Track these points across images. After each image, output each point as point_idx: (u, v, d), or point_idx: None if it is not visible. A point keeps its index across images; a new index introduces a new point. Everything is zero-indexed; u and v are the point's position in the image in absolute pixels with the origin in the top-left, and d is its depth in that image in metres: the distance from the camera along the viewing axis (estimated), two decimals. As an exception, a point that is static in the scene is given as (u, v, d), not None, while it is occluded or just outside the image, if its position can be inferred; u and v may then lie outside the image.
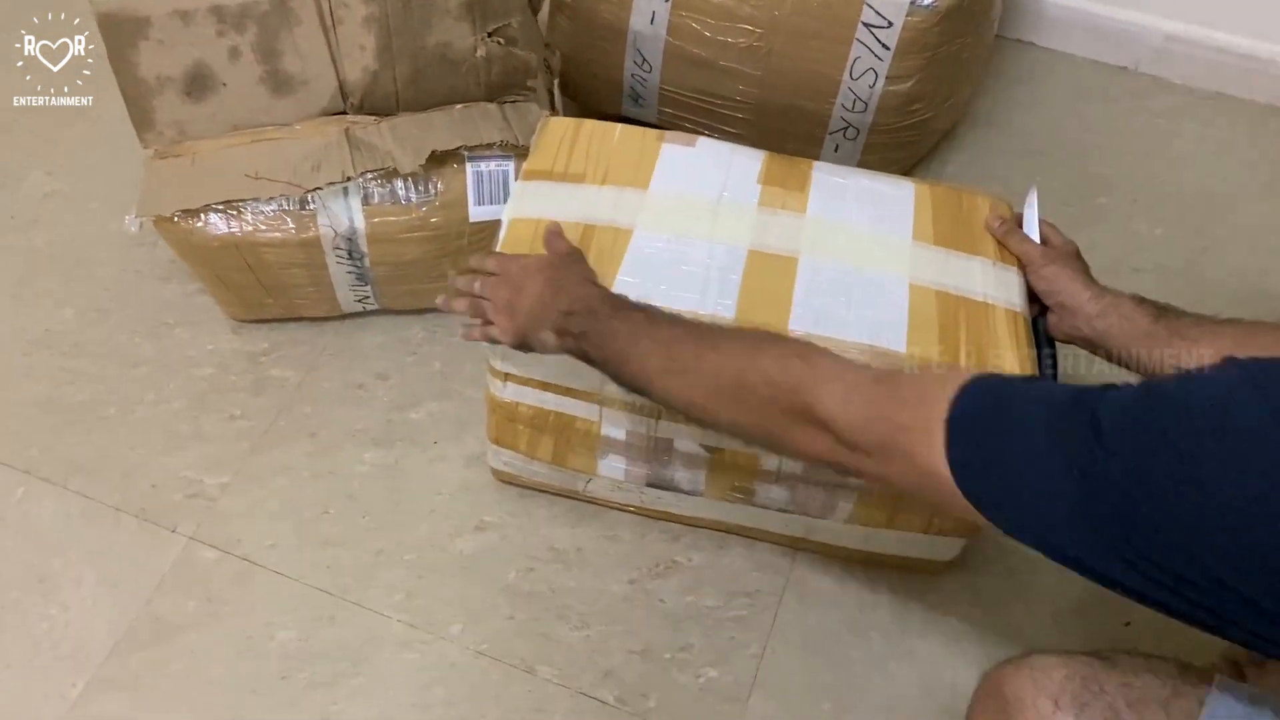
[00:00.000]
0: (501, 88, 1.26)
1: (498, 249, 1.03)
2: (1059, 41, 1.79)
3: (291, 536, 1.22)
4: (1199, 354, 0.90)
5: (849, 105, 1.42)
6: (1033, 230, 1.08)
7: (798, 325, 0.98)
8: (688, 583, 1.19)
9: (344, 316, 1.40)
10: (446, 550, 1.21)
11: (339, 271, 1.31)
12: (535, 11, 1.39)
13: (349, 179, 1.20)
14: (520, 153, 1.24)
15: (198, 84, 1.21)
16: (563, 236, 1.01)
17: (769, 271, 1.01)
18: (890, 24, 1.32)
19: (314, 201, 1.23)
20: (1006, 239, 1.07)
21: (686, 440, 1.07)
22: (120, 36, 1.19)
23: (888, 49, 1.35)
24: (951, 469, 0.66)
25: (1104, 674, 0.73)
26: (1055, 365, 1.03)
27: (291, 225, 1.24)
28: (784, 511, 1.13)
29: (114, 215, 1.24)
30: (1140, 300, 0.97)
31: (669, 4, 1.39)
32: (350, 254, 1.28)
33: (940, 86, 1.43)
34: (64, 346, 1.38)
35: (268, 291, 1.33)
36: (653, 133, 1.14)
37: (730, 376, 0.80)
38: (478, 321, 0.98)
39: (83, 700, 1.10)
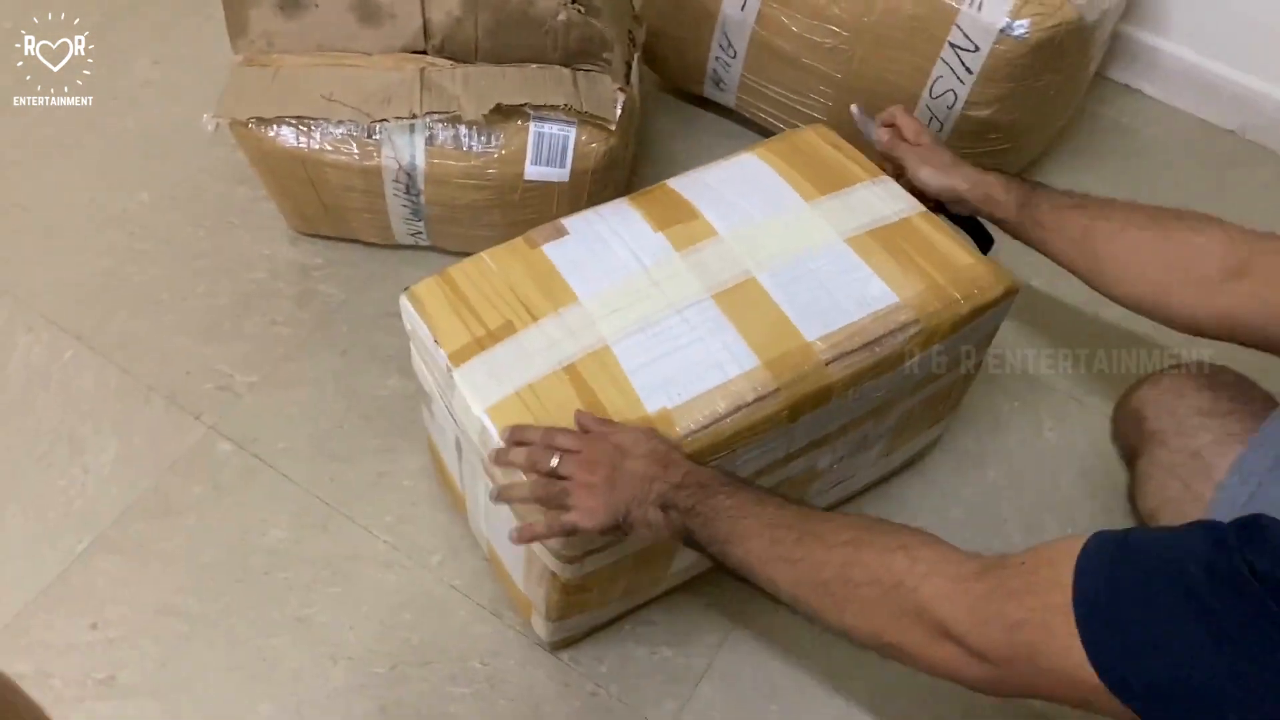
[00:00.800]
0: (578, 55, 1.29)
1: (495, 447, 0.91)
2: (1167, 93, 1.73)
3: (304, 444, 1.28)
4: (1054, 244, 1.03)
5: (925, 122, 1.40)
6: (872, 130, 1.23)
7: (810, 334, 0.99)
8: (664, 562, 1.22)
9: (397, 246, 1.45)
10: (443, 486, 1.25)
11: (395, 203, 1.35)
12: (632, -19, 1.41)
13: (415, 117, 1.24)
14: (584, 119, 1.26)
15: (292, 1, 1.26)
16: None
17: (744, 304, 1.00)
18: (977, 48, 1.31)
19: (380, 132, 1.27)
20: (893, 149, 1.18)
21: None
22: (227, -56, 1.24)
23: (971, 73, 1.33)
24: (1092, 661, 0.57)
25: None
26: (982, 230, 1.19)
27: (356, 151, 1.29)
28: (826, 492, 1.17)
29: (202, 113, 1.31)
30: (1007, 184, 1.09)
31: (762, -6, 1.40)
32: (408, 189, 1.33)
33: (1022, 118, 1.40)
34: (134, 227, 1.46)
35: (326, 209, 1.38)
36: (520, 244, 1.05)
37: (834, 571, 0.74)
38: (536, 514, 0.88)
39: (84, 556, 1.18)
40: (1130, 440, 0.98)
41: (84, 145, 1.56)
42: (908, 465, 1.29)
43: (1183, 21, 1.64)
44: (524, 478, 0.89)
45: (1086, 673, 0.57)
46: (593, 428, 0.89)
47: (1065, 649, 0.58)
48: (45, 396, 1.30)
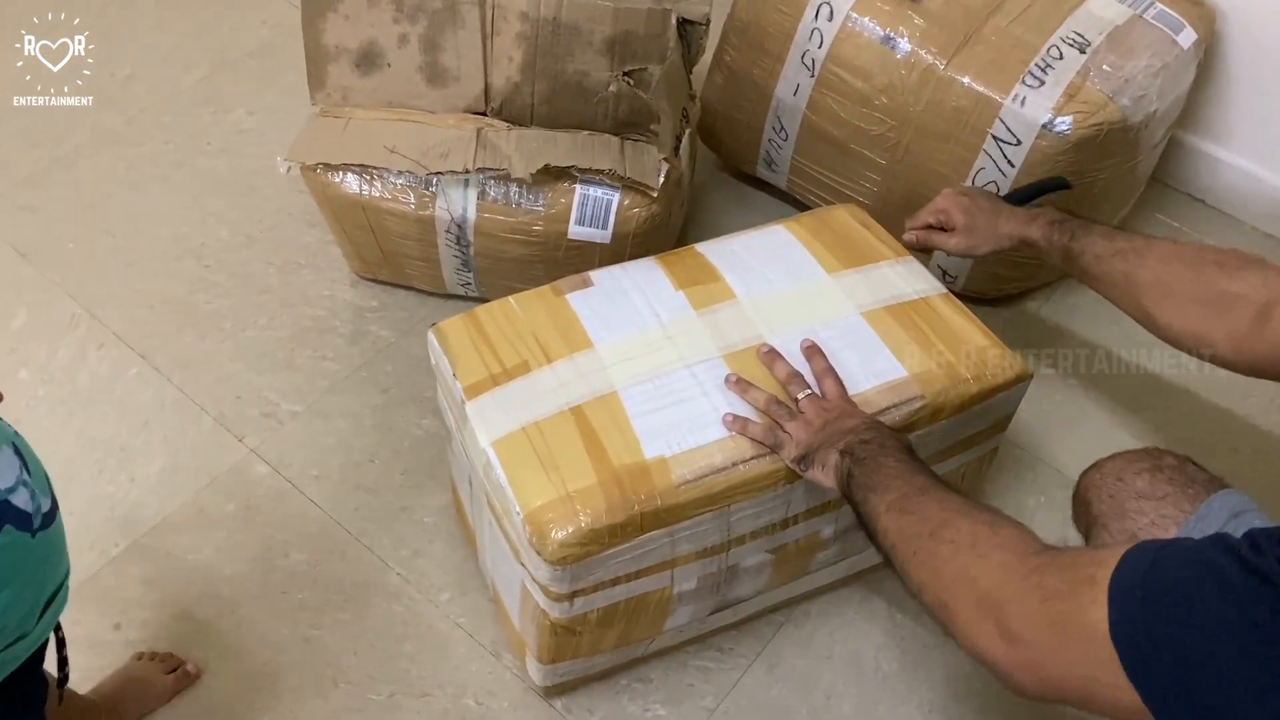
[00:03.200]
0: (627, 124, 1.35)
1: (504, 485, 0.95)
2: (1231, 205, 1.72)
3: (335, 473, 1.33)
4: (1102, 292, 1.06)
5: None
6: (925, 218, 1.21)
7: (816, 398, 1.01)
8: (668, 620, 1.23)
9: (448, 296, 1.52)
10: (460, 524, 1.29)
11: (447, 253, 1.42)
12: (691, 64, 1.47)
13: (468, 172, 1.31)
14: (628, 184, 1.32)
15: (367, 60, 1.36)
16: None
17: (753, 365, 1.03)
18: (1019, 142, 1.33)
19: (436, 184, 1.35)
20: (929, 242, 1.20)
21: (752, 554, 1.06)
22: (315, 4, 1.35)
23: (1013, 166, 1.35)
24: (1115, 644, 0.59)
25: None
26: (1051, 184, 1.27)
27: (413, 201, 1.36)
28: (832, 564, 1.17)
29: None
30: (1048, 235, 1.10)
31: (814, 80, 1.45)
32: (459, 240, 1.39)
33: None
34: (209, 260, 1.56)
35: (385, 255, 1.46)
36: (547, 290, 1.11)
37: (932, 527, 0.78)
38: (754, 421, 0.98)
39: (120, 559, 1.25)
40: (1081, 524, 0.98)
41: (175, 183, 1.68)
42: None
43: (1243, 132, 1.64)
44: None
45: (1110, 653, 0.59)
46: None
47: (1094, 622, 0.60)
48: (106, 407, 1.39)
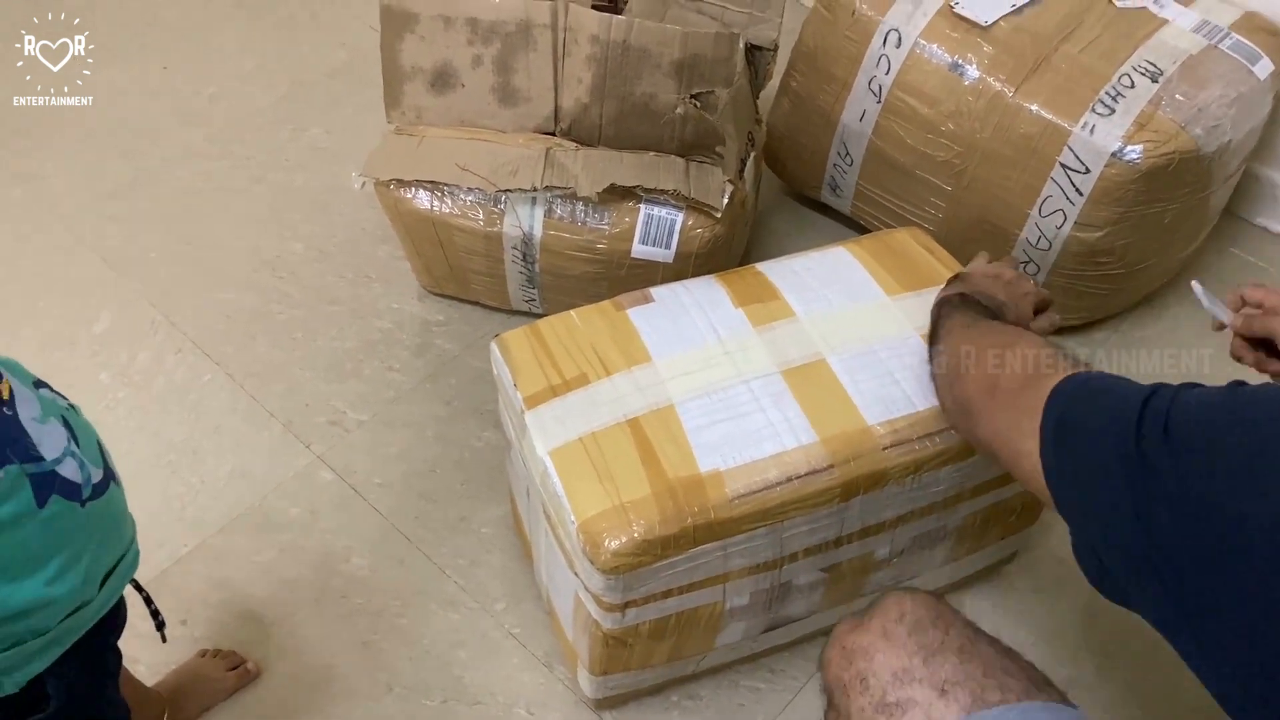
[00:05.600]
0: (693, 146, 1.37)
1: (560, 494, 0.97)
2: (1307, 238, 1.68)
3: (397, 482, 1.36)
4: None
5: (1033, 240, 1.41)
6: (1221, 310, 0.96)
7: (872, 418, 1.01)
8: (720, 639, 1.22)
9: (513, 312, 1.55)
10: (517, 535, 1.31)
11: (513, 269, 1.45)
12: (758, 88, 1.49)
13: (536, 190, 1.34)
14: (692, 205, 1.34)
15: (442, 80, 1.40)
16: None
17: (811, 383, 1.03)
18: (1088, 170, 1.32)
19: (504, 202, 1.38)
20: (1257, 327, 0.91)
21: (805, 572, 1.06)
22: (394, 26, 1.39)
23: (1081, 194, 1.34)
24: (1045, 470, 0.73)
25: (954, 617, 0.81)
26: None
27: (481, 217, 1.39)
28: (887, 587, 1.16)
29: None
30: None
31: (880, 106, 1.45)
32: (525, 256, 1.42)
33: (1135, 244, 1.40)
34: (284, 272, 1.61)
35: (452, 270, 1.49)
36: (607, 305, 1.13)
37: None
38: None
39: (187, 558, 1.28)
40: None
41: (252, 197, 1.73)
42: (980, 577, 1.27)
43: (1322, 166, 1.61)
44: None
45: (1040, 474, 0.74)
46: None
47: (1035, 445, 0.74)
48: (180, 411, 1.43)
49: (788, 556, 1.02)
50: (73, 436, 0.76)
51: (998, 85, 1.36)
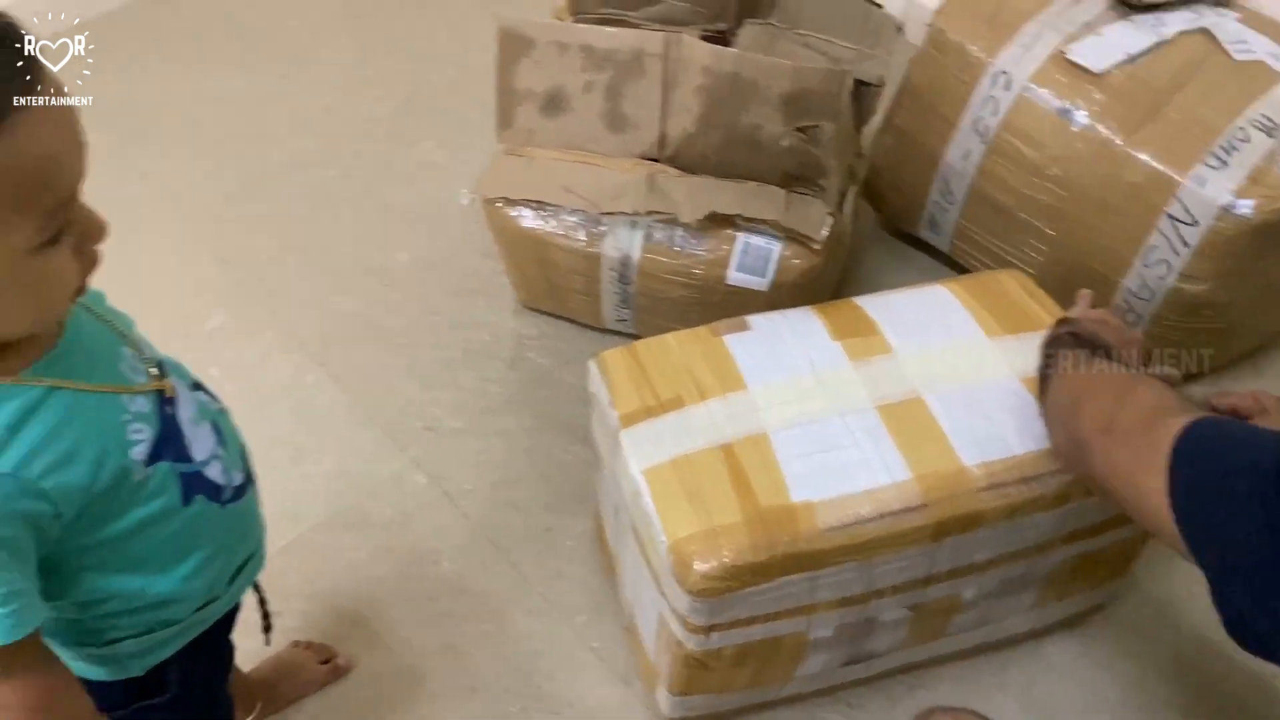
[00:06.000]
0: (795, 178, 1.38)
1: (652, 514, 0.99)
2: None
3: (486, 489, 1.40)
4: None
5: (1135, 289, 1.40)
6: None
7: (968, 459, 1.01)
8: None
9: (605, 331, 1.58)
10: (600, 551, 1.33)
11: (609, 290, 1.48)
12: (862, 123, 1.50)
13: (637, 214, 1.37)
14: (790, 235, 1.35)
15: (553, 103, 1.44)
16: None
17: (907, 419, 1.04)
18: (1196, 222, 1.30)
19: (605, 224, 1.41)
20: None
21: (891, 609, 1.07)
22: (511, 50, 1.44)
23: (1187, 246, 1.32)
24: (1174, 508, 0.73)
25: None
26: None
27: (583, 238, 1.43)
28: (970, 630, 1.17)
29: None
30: None
31: (986, 147, 1.45)
32: (622, 278, 1.45)
33: (1240, 300, 1.37)
34: (389, 280, 1.67)
35: (550, 288, 1.53)
36: (704, 331, 1.14)
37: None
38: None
39: (285, 550, 1.33)
40: None
41: (362, 207, 1.80)
42: (1065, 626, 1.25)
43: None
44: None
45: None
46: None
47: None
48: (283, 409, 1.49)
49: (874, 592, 1.02)
50: (220, 440, 0.81)
51: (1107, 132, 1.35)
